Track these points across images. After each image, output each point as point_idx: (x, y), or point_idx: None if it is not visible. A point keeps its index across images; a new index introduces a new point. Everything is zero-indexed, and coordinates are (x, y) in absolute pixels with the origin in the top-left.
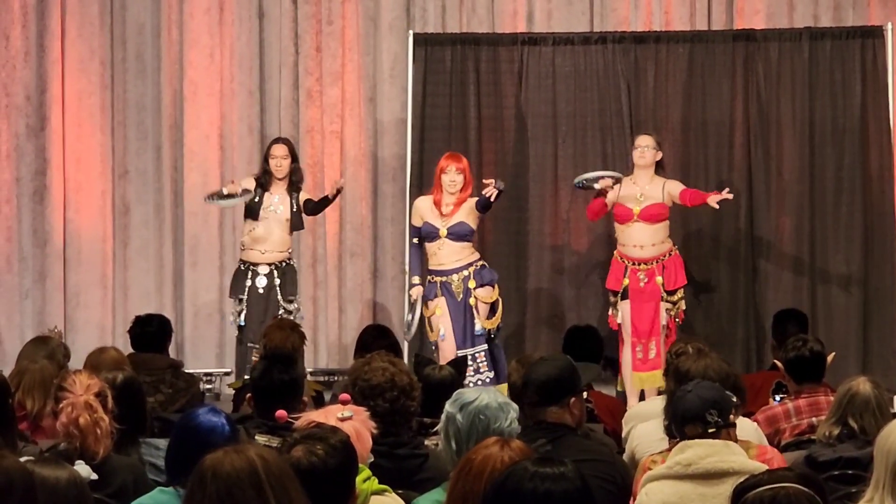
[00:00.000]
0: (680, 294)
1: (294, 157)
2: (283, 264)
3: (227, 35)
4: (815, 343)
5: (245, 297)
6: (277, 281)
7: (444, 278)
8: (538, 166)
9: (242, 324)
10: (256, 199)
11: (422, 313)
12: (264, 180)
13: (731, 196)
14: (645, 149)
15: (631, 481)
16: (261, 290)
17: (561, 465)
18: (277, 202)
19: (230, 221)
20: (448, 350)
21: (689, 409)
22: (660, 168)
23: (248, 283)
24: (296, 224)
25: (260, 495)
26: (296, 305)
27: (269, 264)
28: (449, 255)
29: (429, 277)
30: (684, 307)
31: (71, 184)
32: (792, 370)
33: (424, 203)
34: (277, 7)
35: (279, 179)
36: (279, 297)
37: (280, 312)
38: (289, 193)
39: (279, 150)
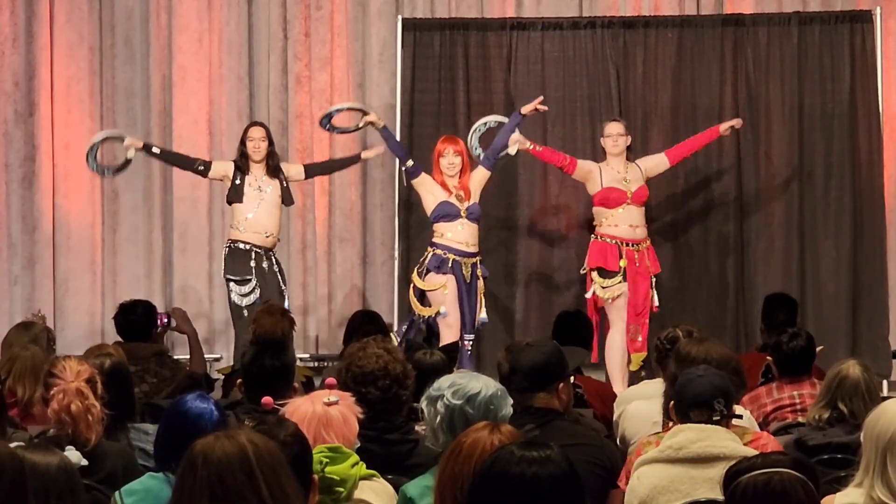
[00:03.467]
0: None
1: (271, 141)
2: (275, 253)
3: (216, 20)
4: (805, 339)
5: (253, 277)
6: (276, 267)
7: (457, 258)
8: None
9: (252, 303)
10: (238, 182)
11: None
12: (242, 163)
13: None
14: (618, 137)
15: (619, 465)
16: (267, 271)
17: (546, 449)
18: (265, 183)
19: (219, 207)
20: (454, 330)
21: (700, 394)
22: (629, 152)
23: (253, 263)
24: (287, 199)
25: (251, 480)
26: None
27: (270, 249)
28: (470, 236)
29: (438, 251)
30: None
31: (60, 170)
32: (779, 363)
33: (432, 181)
34: None
35: (256, 162)
36: (280, 281)
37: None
38: (271, 175)
39: (257, 133)
